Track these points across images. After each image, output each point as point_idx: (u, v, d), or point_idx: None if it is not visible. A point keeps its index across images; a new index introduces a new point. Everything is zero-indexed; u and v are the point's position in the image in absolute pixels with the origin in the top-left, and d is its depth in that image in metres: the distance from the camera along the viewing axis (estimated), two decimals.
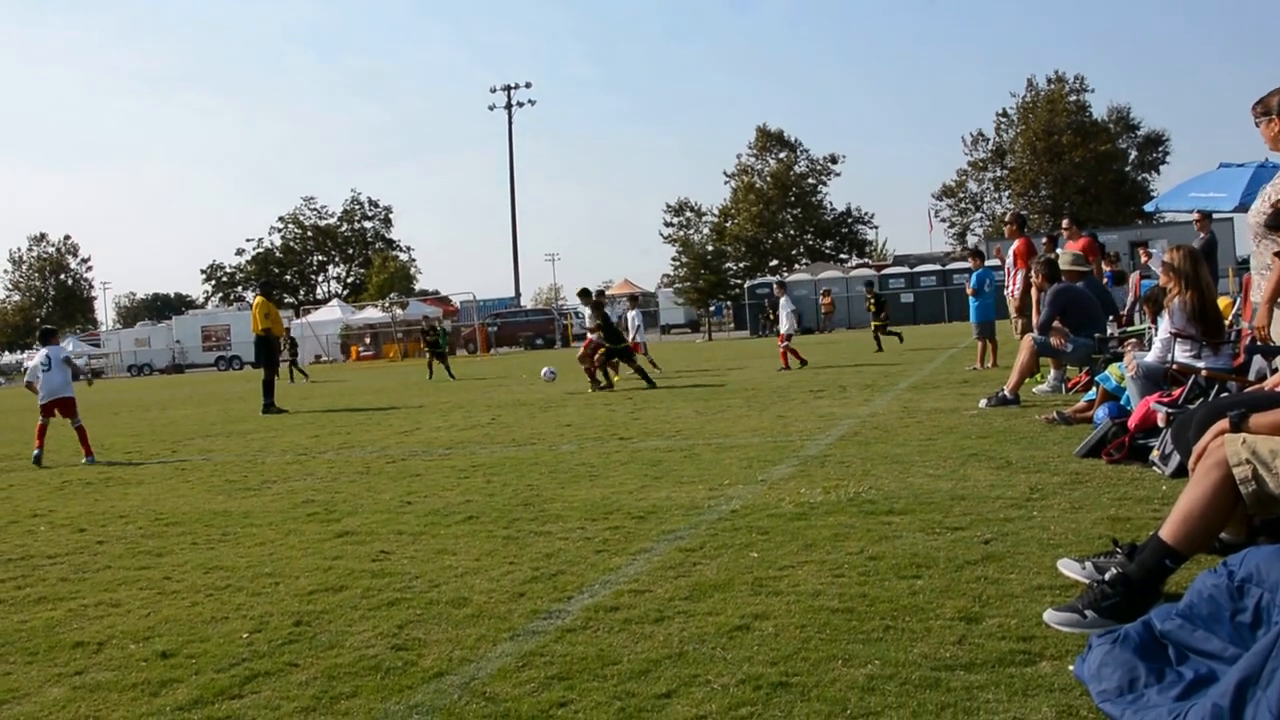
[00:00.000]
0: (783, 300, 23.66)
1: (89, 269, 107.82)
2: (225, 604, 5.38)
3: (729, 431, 11.38)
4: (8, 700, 4.19)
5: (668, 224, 74.40)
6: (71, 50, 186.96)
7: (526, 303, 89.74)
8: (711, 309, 65.81)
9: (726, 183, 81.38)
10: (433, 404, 18.95)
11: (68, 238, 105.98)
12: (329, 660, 4.34)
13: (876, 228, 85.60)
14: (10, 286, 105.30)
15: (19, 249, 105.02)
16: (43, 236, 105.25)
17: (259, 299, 20.47)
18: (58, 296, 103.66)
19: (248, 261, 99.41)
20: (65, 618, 5.35)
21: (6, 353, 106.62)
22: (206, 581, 5.90)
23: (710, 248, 66.76)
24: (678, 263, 64.57)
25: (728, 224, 77.87)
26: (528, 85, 79.58)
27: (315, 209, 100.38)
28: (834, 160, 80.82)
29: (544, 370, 24.50)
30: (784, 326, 22.88)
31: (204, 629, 4.96)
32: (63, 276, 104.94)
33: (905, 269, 60.72)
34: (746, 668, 3.81)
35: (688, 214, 73.92)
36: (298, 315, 67.83)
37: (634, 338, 23.32)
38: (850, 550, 5.46)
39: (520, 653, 4.21)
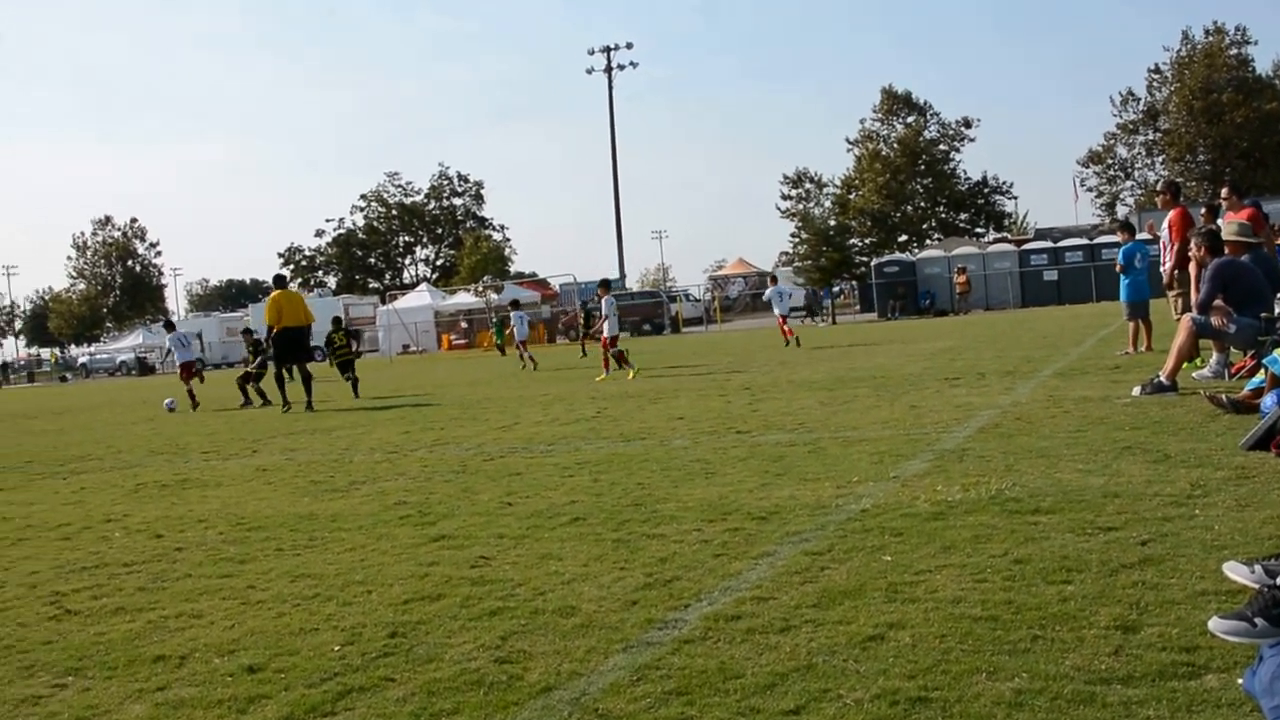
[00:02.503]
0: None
1: (158, 254, 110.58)
2: (314, 614, 5.53)
3: (857, 423, 11.35)
4: (89, 718, 4.36)
5: (785, 197, 74.14)
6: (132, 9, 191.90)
7: (632, 284, 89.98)
8: (835, 289, 65.39)
9: (849, 150, 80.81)
10: (531, 396, 19.17)
11: (134, 220, 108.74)
12: (427, 674, 4.44)
13: (1015, 198, 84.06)
14: (75, 274, 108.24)
15: (82, 233, 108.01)
16: (108, 220, 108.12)
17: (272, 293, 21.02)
18: (125, 284, 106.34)
19: (328, 244, 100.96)
20: (145, 630, 5.54)
21: (73, 345, 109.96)
22: (293, 590, 6.07)
23: (833, 222, 66.24)
24: (797, 239, 64.27)
25: (851, 196, 77.27)
26: (629, 46, 79.50)
27: (400, 185, 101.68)
28: (967, 124, 79.83)
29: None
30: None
31: (292, 641, 5.10)
32: (130, 263, 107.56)
33: (1048, 243, 59.72)
34: (882, 681, 3.83)
35: (807, 185, 73.48)
36: (383, 301, 68.86)
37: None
38: (993, 553, 5.43)
39: (634, 666, 4.27)
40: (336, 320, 27.05)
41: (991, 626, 4.31)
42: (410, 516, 8.01)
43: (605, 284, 25.61)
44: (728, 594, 5.13)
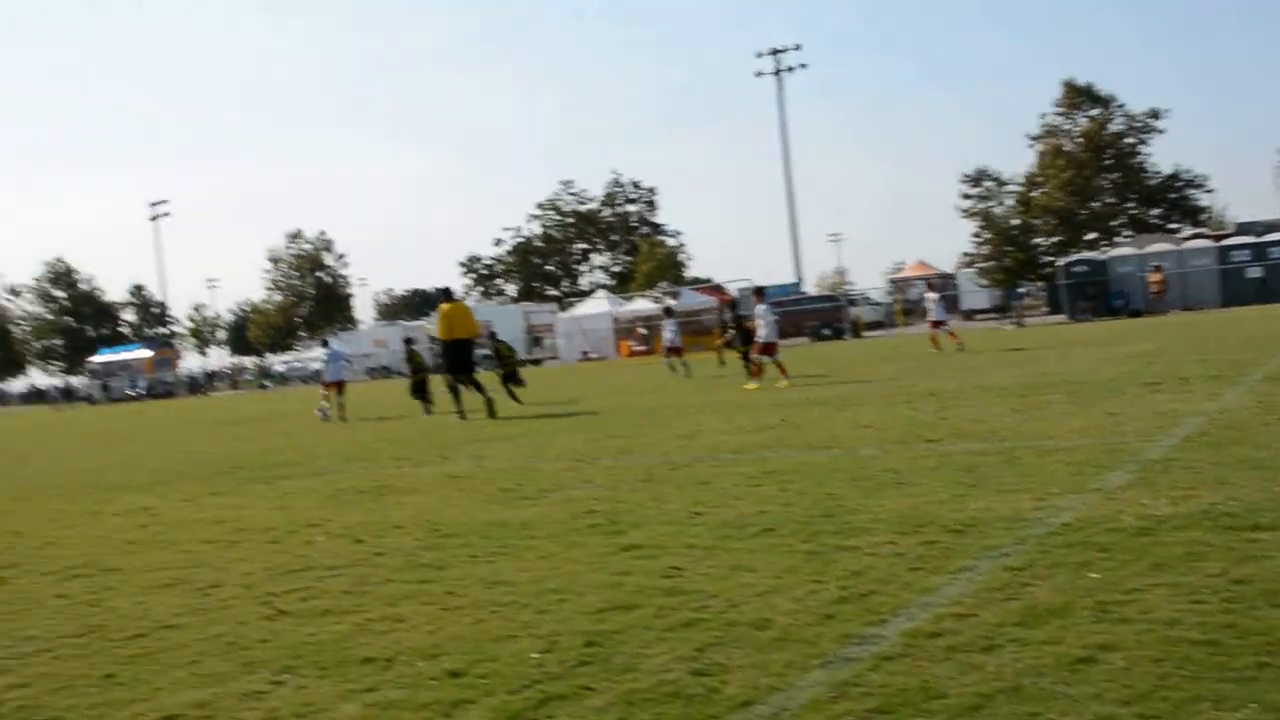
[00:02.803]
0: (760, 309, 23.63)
1: (345, 265, 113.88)
2: (511, 621, 5.60)
3: (1052, 432, 11.04)
4: (305, 715, 4.52)
5: (965, 196, 72.37)
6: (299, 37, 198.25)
7: (809, 289, 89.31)
8: (1021, 290, 63.87)
9: (1031, 146, 78.47)
10: (714, 404, 19.15)
11: (323, 233, 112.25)
12: (625, 685, 4.46)
13: (1212, 191, 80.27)
14: (271, 285, 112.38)
15: (277, 247, 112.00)
16: (299, 233, 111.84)
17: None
18: (316, 295, 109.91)
19: (507, 252, 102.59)
20: (352, 632, 5.72)
21: (270, 354, 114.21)
22: (490, 597, 6.16)
23: (1016, 221, 64.71)
24: (979, 239, 62.97)
25: (1034, 193, 75.14)
26: (797, 48, 78.90)
27: (575, 193, 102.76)
28: (1155, 115, 76.74)
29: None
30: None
31: (491, 648, 5.18)
32: (320, 274, 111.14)
33: (1250, 238, 57.18)
34: (1095, 707, 3.70)
35: (987, 184, 71.75)
36: (562, 308, 69.73)
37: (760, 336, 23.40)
38: (1209, 572, 5.20)
39: (833, 682, 4.22)
40: (492, 334, 28.93)
41: (1212, 651, 4.13)
42: (600, 525, 8.06)
43: (759, 291, 25.33)
44: (926, 610, 5.03)
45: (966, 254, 72.05)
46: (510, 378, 25.11)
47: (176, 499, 12.50)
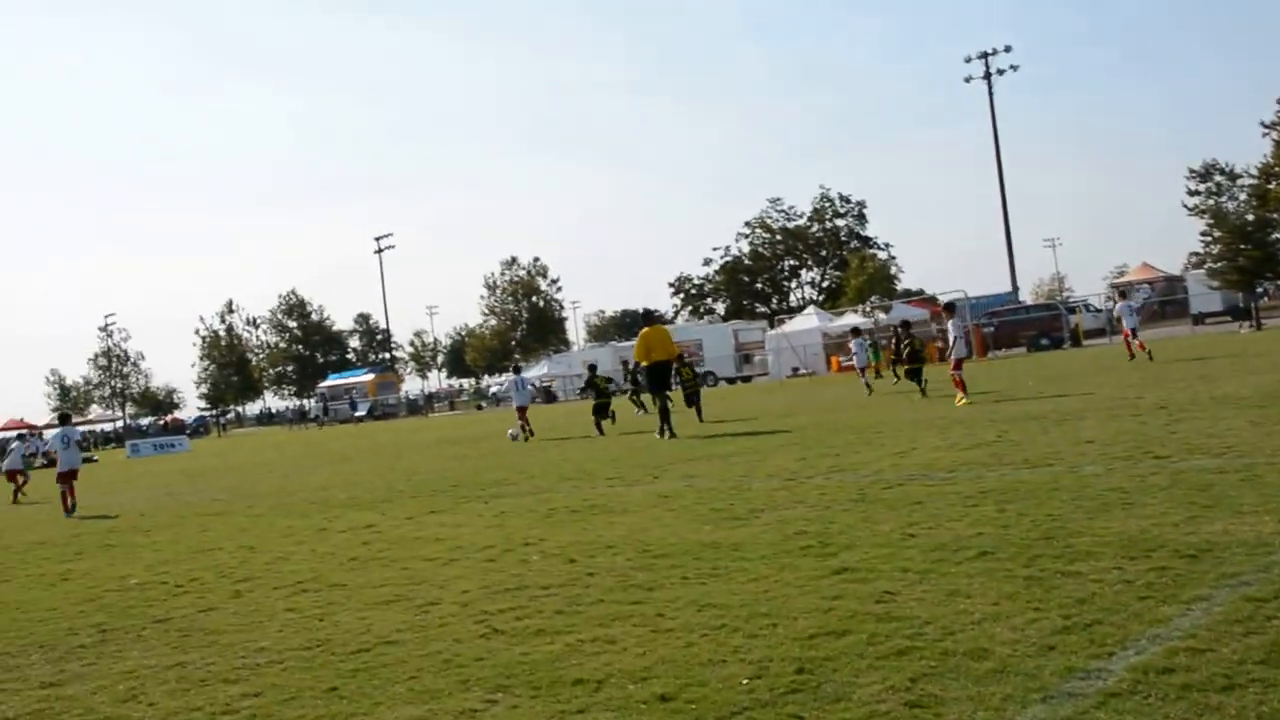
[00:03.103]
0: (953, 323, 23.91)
1: (558, 289, 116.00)
2: (722, 645, 5.53)
3: None
4: None
5: (1192, 193, 69.27)
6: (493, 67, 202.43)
7: (1025, 297, 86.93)
8: (1260, 291, 60.76)
9: (1265, 134, 74.58)
10: (927, 420, 18.71)
11: (536, 259, 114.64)
12: (837, 714, 4.35)
13: None
14: (487, 311, 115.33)
15: (492, 274, 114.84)
16: (514, 260, 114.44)
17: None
18: (530, 319, 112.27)
19: (716, 271, 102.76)
20: (563, 653, 5.75)
21: (486, 376, 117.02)
22: (701, 620, 6.10)
23: (1250, 217, 61.62)
24: (1208, 238, 60.19)
25: (1271, 185, 71.47)
26: (1007, 50, 76.81)
27: (782, 210, 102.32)
28: None
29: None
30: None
31: (701, 672, 5.13)
32: (534, 299, 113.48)
33: None
34: None
35: (1217, 178, 68.54)
36: (771, 325, 69.46)
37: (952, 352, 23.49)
38: None
39: (1056, 718, 4.01)
40: (681, 356, 29.00)
41: None
42: (811, 547, 7.93)
43: (950, 307, 25.56)
44: (1156, 642, 4.76)
45: (1195, 254, 69.10)
46: (691, 399, 26.55)
47: (398, 517, 12.90)
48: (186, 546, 12.54)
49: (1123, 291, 40.78)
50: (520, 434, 26.73)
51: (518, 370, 33.52)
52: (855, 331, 34.59)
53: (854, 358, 32.50)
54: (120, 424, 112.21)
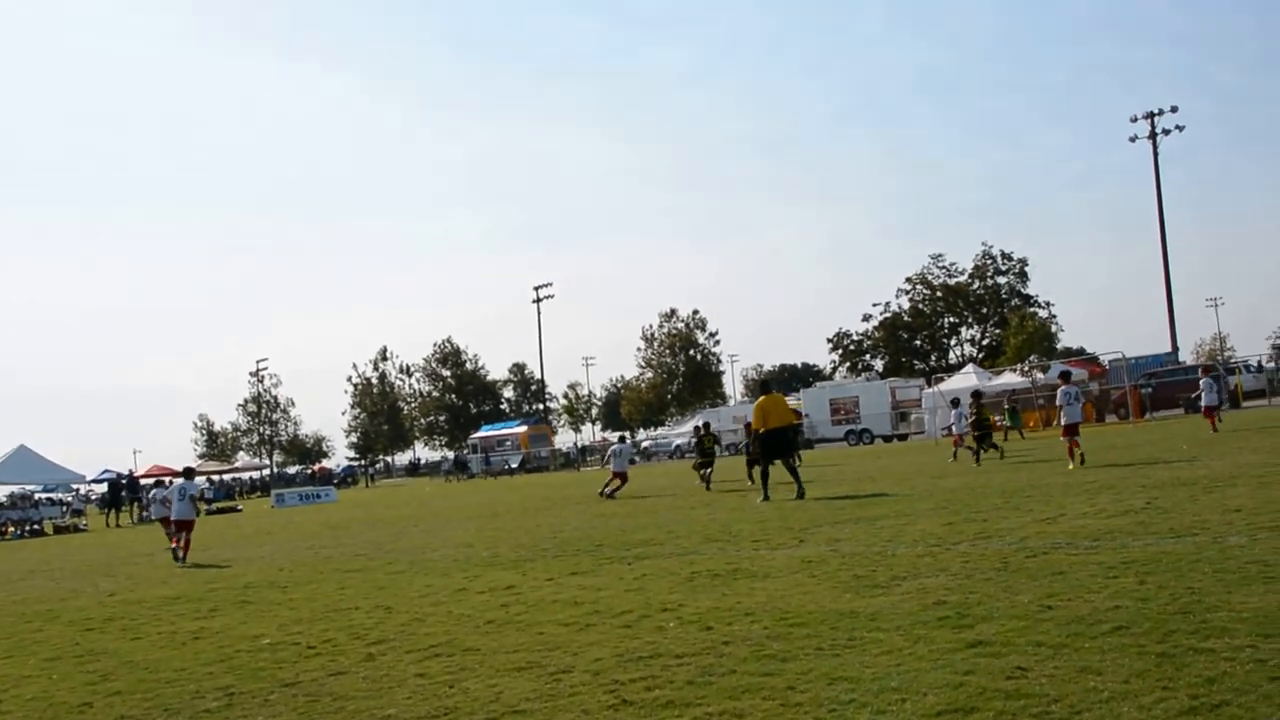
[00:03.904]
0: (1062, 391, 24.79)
1: (716, 343, 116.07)
2: None
3: None
4: None
5: None
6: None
7: (1186, 357, 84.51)
8: None
9: None
10: (1076, 484, 18.41)
11: (696, 312, 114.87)
12: None
13: None
14: (644, 363, 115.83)
15: (650, 326, 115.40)
16: (673, 312, 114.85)
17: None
18: (687, 372, 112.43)
19: (875, 328, 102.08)
20: None
21: (642, 430, 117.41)
22: (831, 694, 6.19)
23: None
24: None
25: None
26: (1173, 110, 75.61)
27: (944, 267, 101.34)
28: None
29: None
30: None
31: None
32: (692, 352, 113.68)
33: None
34: None
35: None
36: (929, 383, 68.61)
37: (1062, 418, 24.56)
38: None
39: None
40: (706, 424, 33.60)
41: None
42: (948, 618, 7.94)
43: (1065, 375, 27.11)
44: None
45: None
46: (704, 465, 30.04)
47: (539, 577, 13.12)
48: (323, 605, 12.83)
49: (1204, 368, 41.40)
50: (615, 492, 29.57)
51: (622, 439, 36.57)
52: (955, 403, 34.46)
53: (952, 426, 32.76)
54: (267, 472, 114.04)
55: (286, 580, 16.25)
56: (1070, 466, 22.20)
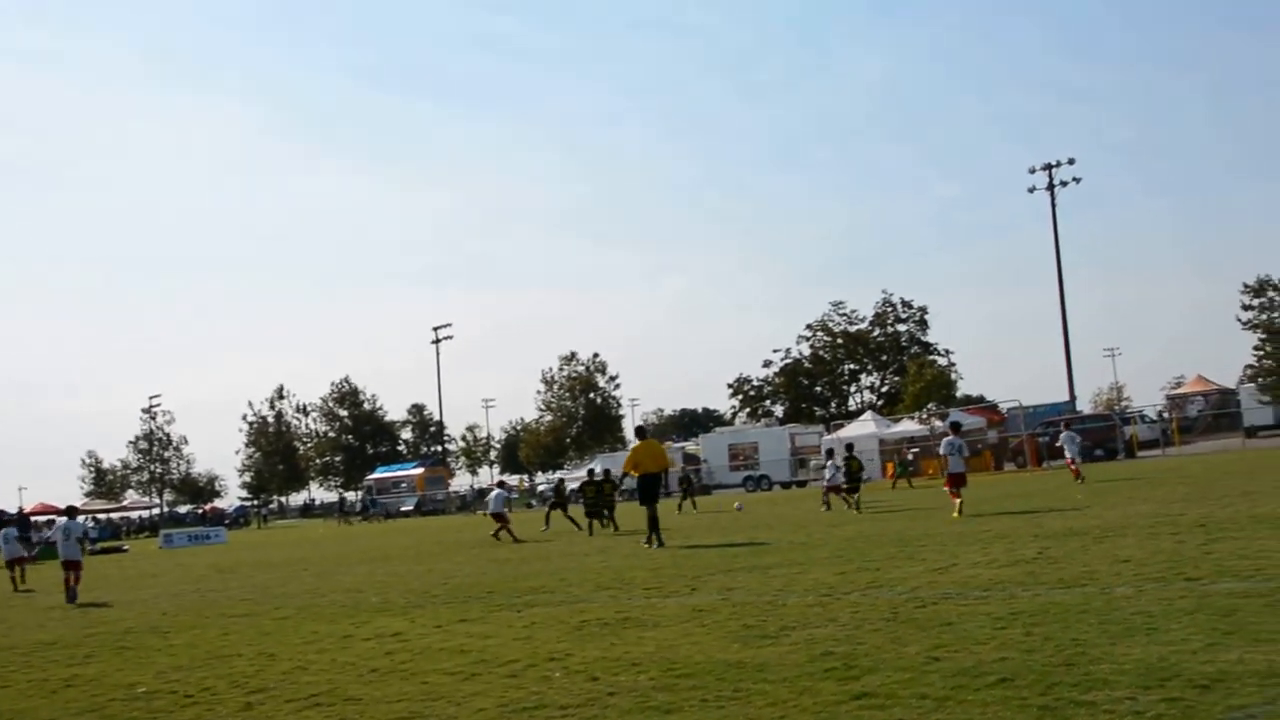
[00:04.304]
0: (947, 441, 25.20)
1: (617, 386, 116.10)
2: None
3: None
4: None
5: (1246, 307, 69.02)
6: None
7: (1084, 406, 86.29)
8: None
9: None
10: (972, 533, 18.62)
11: (596, 355, 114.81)
12: None
13: None
14: (543, 407, 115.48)
15: (550, 369, 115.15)
16: (573, 355, 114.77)
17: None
18: (587, 416, 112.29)
19: (775, 374, 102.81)
20: None
21: (540, 473, 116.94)
22: None
23: None
24: (1261, 352, 59.79)
25: None
26: (1070, 162, 77.49)
27: (845, 314, 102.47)
28: None
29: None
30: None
31: None
32: (592, 395, 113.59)
33: None
34: None
35: (1270, 294, 68.26)
36: (828, 430, 69.20)
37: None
38: None
39: None
40: (606, 471, 35.45)
41: None
42: (835, 669, 7.96)
43: (955, 425, 28.17)
44: None
45: (1250, 367, 68.58)
46: (594, 512, 31.05)
47: (427, 624, 12.95)
48: (204, 651, 12.50)
49: (1066, 422, 44.01)
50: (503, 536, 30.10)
51: (500, 485, 38.21)
52: (829, 454, 35.37)
53: (826, 476, 33.21)
54: (157, 511, 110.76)
55: (168, 625, 15.84)
56: (954, 515, 22.48)
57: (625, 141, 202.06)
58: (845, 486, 30.37)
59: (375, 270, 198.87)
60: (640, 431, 26.49)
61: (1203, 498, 21.13)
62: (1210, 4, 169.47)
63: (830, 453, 35.63)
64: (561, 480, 44.29)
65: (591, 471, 35.32)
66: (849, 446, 32.79)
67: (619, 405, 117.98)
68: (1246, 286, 68.14)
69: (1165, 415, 68.86)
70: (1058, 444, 40.08)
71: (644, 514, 23.10)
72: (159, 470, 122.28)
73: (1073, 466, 34.89)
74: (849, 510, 28.84)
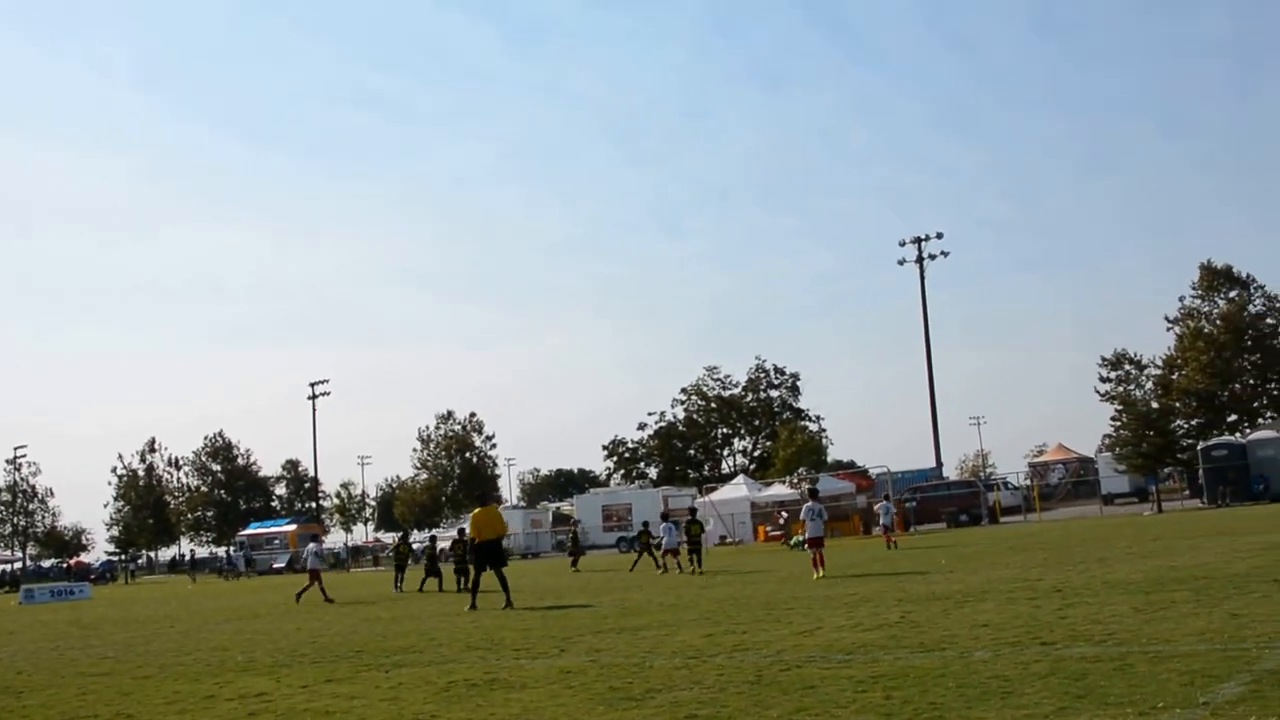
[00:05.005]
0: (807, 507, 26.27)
1: (493, 446, 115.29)
2: None
3: (1171, 635, 10.66)
4: None
5: (1104, 379, 71.19)
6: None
7: (950, 473, 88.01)
8: (1166, 473, 61.91)
9: (1169, 329, 77.16)
10: (838, 596, 18.78)
11: (473, 415, 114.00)
12: None
13: None
14: (419, 464, 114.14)
15: (427, 427, 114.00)
16: (449, 414, 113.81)
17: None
18: (463, 474, 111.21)
19: (650, 436, 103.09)
20: None
21: (415, 531, 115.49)
22: None
23: (1155, 405, 63.25)
24: (1118, 423, 61.61)
25: (1174, 376, 73.49)
26: (939, 236, 79.44)
27: (719, 379, 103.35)
28: None
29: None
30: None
31: None
32: (468, 454, 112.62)
33: None
34: None
35: (1127, 367, 70.55)
36: (700, 493, 69.51)
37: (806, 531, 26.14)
38: None
39: None
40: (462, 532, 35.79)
41: None
42: None
43: (812, 492, 29.58)
44: None
45: (1107, 437, 70.49)
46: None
47: (293, 684, 12.64)
48: (60, 712, 12.00)
49: (886, 495, 46.38)
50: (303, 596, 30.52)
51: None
52: (664, 516, 36.54)
53: (663, 540, 33.62)
54: (19, 565, 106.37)
55: (23, 685, 15.14)
56: (816, 576, 23.42)
57: (506, 203, 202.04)
58: (687, 547, 31.87)
59: (253, 325, 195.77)
60: (482, 498, 27.22)
61: (1060, 563, 21.63)
62: (1074, 89, 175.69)
63: (665, 516, 36.81)
64: (433, 538, 44.35)
65: (462, 530, 35.05)
66: (692, 511, 35.19)
67: (495, 464, 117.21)
68: (1104, 360, 70.39)
69: (1027, 482, 70.55)
70: (875, 511, 42.15)
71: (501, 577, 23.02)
72: (22, 523, 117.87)
73: (886, 535, 38.02)
74: (685, 573, 30.27)
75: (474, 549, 24.12)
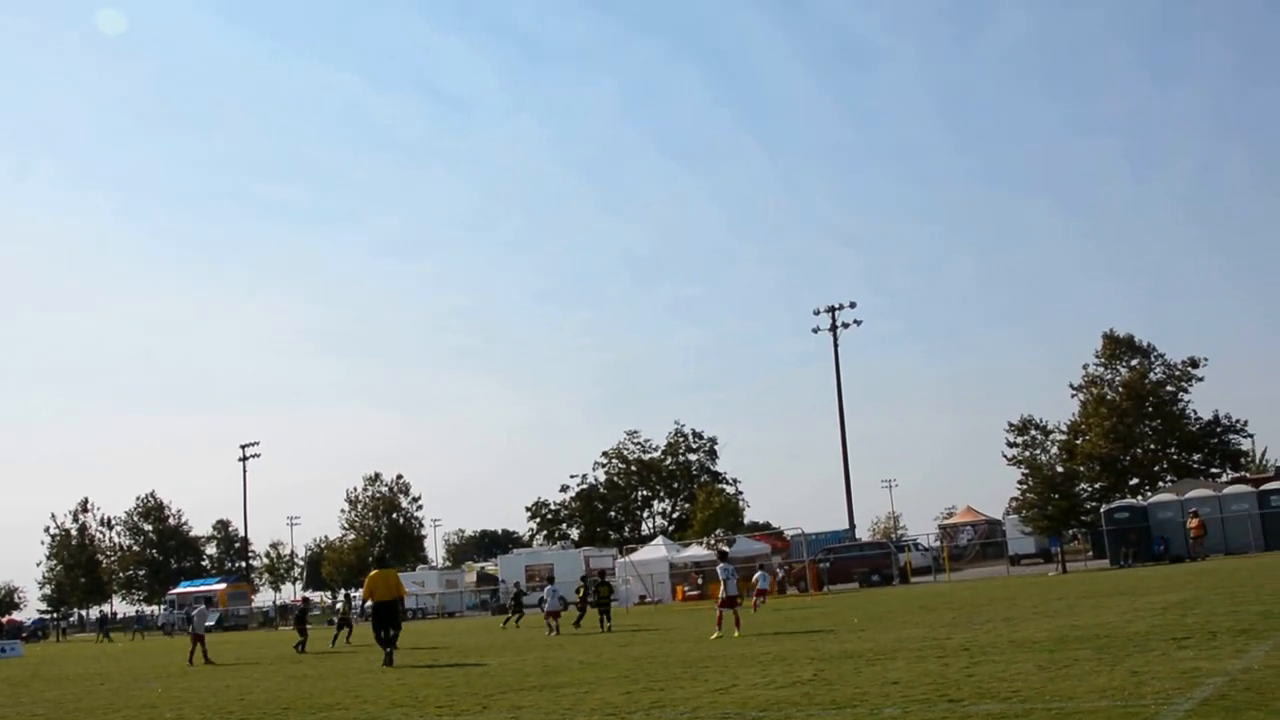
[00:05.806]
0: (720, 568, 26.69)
1: (419, 507, 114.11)
2: None
3: (1073, 692, 10.71)
4: None
5: (1011, 444, 72.04)
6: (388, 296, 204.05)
7: (863, 535, 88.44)
8: (1071, 534, 62.58)
9: (1074, 396, 78.51)
10: (753, 655, 18.72)
11: (399, 477, 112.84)
12: None
13: (1252, 436, 78.77)
14: (347, 525, 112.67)
15: (355, 488, 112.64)
16: (377, 476, 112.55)
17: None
18: (390, 535, 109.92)
19: (572, 498, 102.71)
20: None
21: (343, 590, 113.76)
22: None
23: (1060, 469, 64.07)
24: (1024, 486, 62.32)
25: (1078, 441, 74.66)
26: (852, 305, 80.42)
27: (639, 443, 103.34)
28: (1194, 364, 76.48)
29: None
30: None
31: None
32: (394, 515, 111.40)
33: None
34: None
35: (1033, 432, 71.51)
36: (621, 554, 69.31)
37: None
38: None
39: None
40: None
41: None
42: None
43: (723, 554, 29.28)
44: None
45: (1014, 499, 71.25)
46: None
47: None
48: None
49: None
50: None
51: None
52: (550, 579, 37.60)
53: (546, 603, 33.92)
54: None
55: None
56: (735, 634, 23.71)
57: (442, 271, 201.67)
58: (598, 606, 33.39)
59: (185, 388, 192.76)
60: (379, 561, 27.62)
61: (968, 622, 21.73)
62: (971, 168, 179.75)
63: (550, 579, 37.63)
64: (349, 596, 44.06)
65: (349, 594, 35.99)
66: (601, 573, 37.12)
67: (421, 525, 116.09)
68: (1011, 425, 71.17)
69: (937, 543, 71.06)
70: (754, 580, 40.31)
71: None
72: None
73: (755, 601, 37.16)
74: (575, 633, 31.18)
75: (373, 610, 24.77)
